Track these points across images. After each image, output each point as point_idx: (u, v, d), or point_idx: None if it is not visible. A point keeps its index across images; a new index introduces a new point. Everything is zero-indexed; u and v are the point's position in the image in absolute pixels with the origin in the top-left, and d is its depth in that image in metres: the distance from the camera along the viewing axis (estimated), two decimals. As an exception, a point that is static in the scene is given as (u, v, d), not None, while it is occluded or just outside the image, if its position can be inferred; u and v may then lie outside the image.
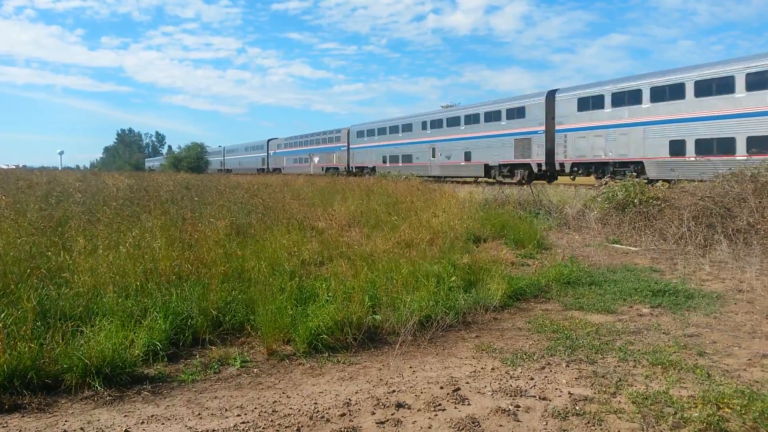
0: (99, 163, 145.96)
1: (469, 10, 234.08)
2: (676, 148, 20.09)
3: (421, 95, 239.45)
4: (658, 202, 11.67)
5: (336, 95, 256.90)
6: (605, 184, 14.55)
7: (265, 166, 61.93)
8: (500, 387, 4.00)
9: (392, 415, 3.58)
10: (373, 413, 3.61)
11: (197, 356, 4.67)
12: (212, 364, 4.48)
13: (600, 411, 3.56)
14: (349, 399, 3.84)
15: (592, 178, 23.47)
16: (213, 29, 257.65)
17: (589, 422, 3.42)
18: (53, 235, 6.97)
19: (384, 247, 8.00)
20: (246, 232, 8.86)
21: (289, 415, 3.60)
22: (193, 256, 6.43)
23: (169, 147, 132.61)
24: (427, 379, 4.21)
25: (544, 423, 3.44)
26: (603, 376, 4.16)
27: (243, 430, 3.40)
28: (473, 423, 3.43)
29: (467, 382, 4.11)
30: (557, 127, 25.26)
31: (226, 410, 3.69)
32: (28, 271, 5.39)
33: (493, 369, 4.40)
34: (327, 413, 3.60)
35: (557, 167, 25.59)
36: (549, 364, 4.47)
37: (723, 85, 18.69)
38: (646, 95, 21.21)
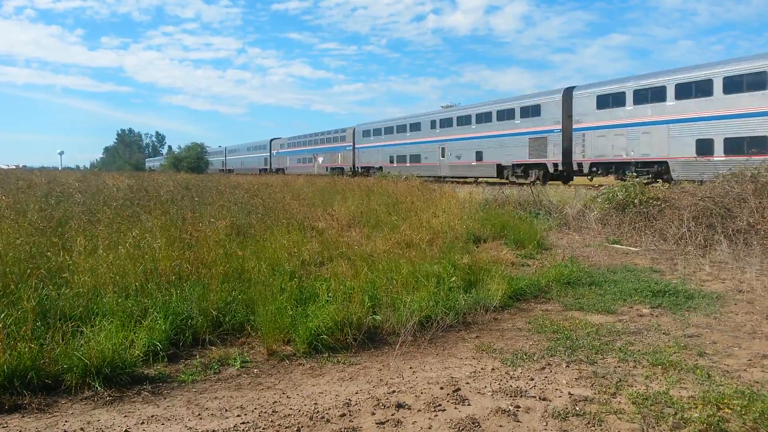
0: (99, 163, 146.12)
1: (469, 10, 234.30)
2: (704, 147, 19.19)
3: (421, 95, 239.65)
4: (658, 203, 11.67)
5: (336, 95, 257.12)
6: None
7: (268, 167, 61.27)
8: (500, 387, 4.00)
9: (392, 415, 3.58)
10: (373, 414, 3.61)
11: (197, 356, 4.67)
12: (212, 365, 4.48)
13: (600, 411, 3.56)
14: (349, 399, 3.84)
15: (611, 179, 22.24)
16: (213, 29, 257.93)
17: (589, 423, 3.42)
18: (53, 236, 6.97)
19: (384, 248, 8.00)
20: (246, 232, 8.86)
21: (289, 415, 3.60)
22: (193, 256, 6.43)
23: (169, 147, 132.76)
24: (427, 379, 4.21)
25: (544, 423, 3.43)
26: (603, 377, 4.16)
27: (243, 430, 3.40)
28: (473, 423, 3.43)
29: (467, 383, 4.11)
30: (575, 126, 24.39)
31: (226, 410, 3.69)
32: (28, 271, 5.39)
33: (493, 369, 4.40)
34: (327, 413, 3.60)
35: (575, 167, 24.68)
36: (549, 364, 4.47)
37: (755, 81, 17.82)
38: (670, 92, 20.35)
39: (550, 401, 3.76)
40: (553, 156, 25.47)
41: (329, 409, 3.68)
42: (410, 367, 4.49)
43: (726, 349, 4.81)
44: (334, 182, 21.42)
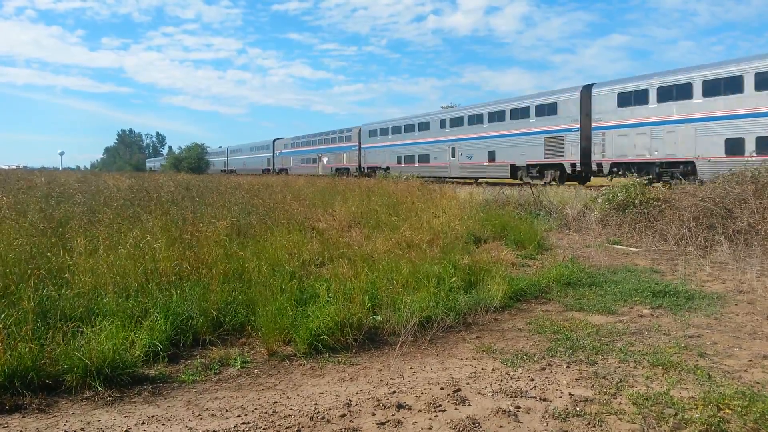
0: (100, 163, 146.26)
1: (469, 10, 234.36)
2: (734, 146, 18.30)
3: (422, 96, 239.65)
4: (659, 203, 11.67)
5: (336, 96, 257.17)
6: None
7: (271, 167, 60.46)
8: (501, 388, 4.00)
9: (393, 415, 3.58)
10: (374, 414, 3.61)
11: (198, 357, 4.67)
12: (213, 365, 4.49)
13: (601, 412, 3.56)
14: (350, 400, 3.84)
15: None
16: (213, 30, 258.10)
17: (589, 423, 3.42)
18: (54, 236, 6.98)
19: (384, 248, 8.00)
20: (246, 232, 8.86)
21: (289, 415, 3.60)
22: (193, 256, 6.43)
23: (170, 147, 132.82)
24: (427, 379, 4.21)
25: (545, 424, 3.43)
26: (604, 377, 4.16)
27: (243, 430, 3.40)
28: (474, 424, 3.43)
29: (468, 383, 4.11)
30: (594, 125, 23.40)
31: (227, 411, 3.69)
32: (29, 271, 5.39)
33: (493, 370, 4.40)
34: (327, 414, 3.60)
35: (594, 168, 23.65)
36: (549, 365, 4.47)
37: None
38: (697, 89, 19.40)
39: (550, 402, 3.76)
40: (571, 156, 24.52)
41: (330, 409, 3.68)
42: (411, 368, 4.49)
43: (726, 350, 4.80)
44: (335, 183, 21.41)
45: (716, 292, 6.85)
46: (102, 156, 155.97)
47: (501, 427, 3.42)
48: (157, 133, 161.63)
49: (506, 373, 4.31)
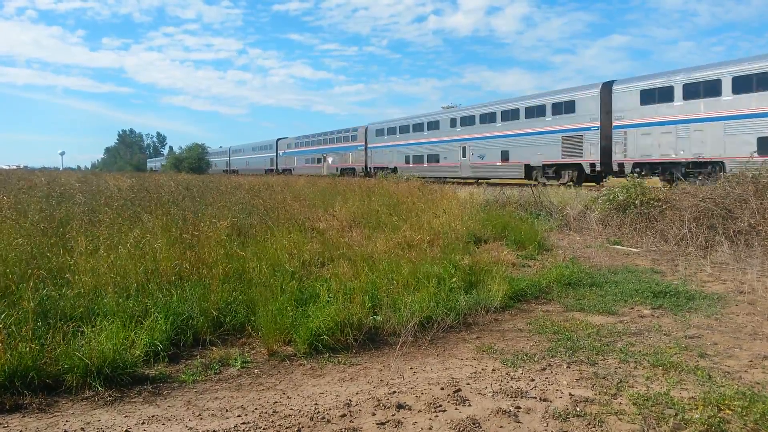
0: (100, 163, 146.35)
1: (469, 11, 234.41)
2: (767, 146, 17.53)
3: (422, 96, 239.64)
4: (659, 204, 11.67)
5: (337, 96, 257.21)
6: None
7: (274, 167, 59.43)
8: (501, 388, 4.00)
9: (393, 416, 3.58)
10: (374, 414, 3.61)
11: (198, 357, 4.67)
12: (213, 365, 4.49)
13: (601, 412, 3.56)
14: (350, 400, 3.84)
15: (656, 180, 20.29)
16: (214, 30, 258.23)
17: (589, 423, 3.42)
18: (54, 236, 6.98)
19: (385, 248, 8.00)
20: (247, 232, 8.87)
21: (289, 415, 3.60)
22: (194, 256, 6.43)
23: (170, 148, 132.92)
24: (427, 380, 4.21)
25: (545, 424, 3.43)
26: (604, 378, 4.15)
27: (243, 430, 3.40)
28: (474, 424, 3.43)
29: (468, 383, 4.11)
30: (615, 123, 22.43)
31: (227, 411, 3.69)
32: (29, 271, 5.39)
33: (493, 370, 4.40)
34: (327, 414, 3.61)
35: (615, 168, 22.68)
36: (550, 365, 4.47)
37: None
38: (726, 86, 18.51)
39: (550, 402, 3.76)
40: (590, 155, 23.58)
41: (330, 409, 3.68)
42: (411, 368, 4.49)
43: (727, 350, 4.80)
44: (335, 183, 21.42)
45: (717, 292, 6.84)
46: (103, 156, 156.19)
47: (501, 427, 3.42)
48: (158, 133, 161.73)
49: (506, 374, 4.31)
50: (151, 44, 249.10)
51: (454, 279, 6.49)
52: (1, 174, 29.05)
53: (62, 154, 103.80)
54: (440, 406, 3.70)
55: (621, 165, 22.40)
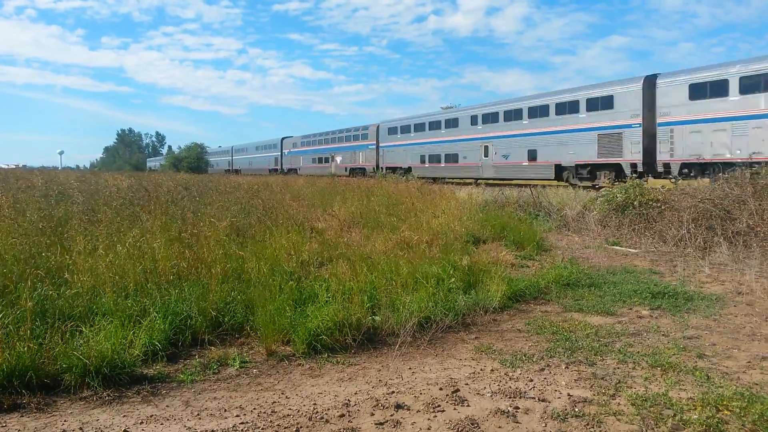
0: (99, 163, 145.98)
1: (469, 11, 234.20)
2: None
3: (422, 96, 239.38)
4: (658, 204, 11.68)
5: (336, 96, 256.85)
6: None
7: (279, 167, 57.52)
8: (499, 388, 4.00)
9: (391, 416, 3.58)
10: (373, 414, 3.61)
11: (196, 356, 4.67)
12: (211, 365, 4.48)
13: (599, 413, 3.56)
14: (349, 400, 3.84)
15: (707, 182, 18.03)
16: (213, 30, 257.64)
17: (588, 424, 3.42)
18: (53, 235, 6.97)
19: (384, 248, 8.00)
20: (246, 232, 8.86)
21: (288, 415, 3.60)
22: (192, 256, 6.43)
23: (169, 147, 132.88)
24: (426, 380, 4.21)
25: (544, 424, 3.43)
26: (602, 378, 4.16)
27: (242, 430, 3.40)
28: (472, 424, 3.43)
29: (466, 384, 4.11)
30: (659, 120, 20.68)
31: (225, 411, 3.69)
32: (28, 271, 5.38)
33: (492, 370, 4.40)
34: (326, 414, 3.60)
35: (659, 168, 20.96)
36: (548, 365, 4.47)
37: None
38: None
39: (549, 402, 3.76)
40: (631, 155, 21.79)
41: (328, 409, 3.68)
42: (409, 368, 4.49)
43: (725, 351, 4.81)
44: (334, 183, 21.41)
45: (715, 293, 6.85)
46: (101, 155, 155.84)
47: (500, 427, 3.42)
48: (157, 132, 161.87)
49: (505, 374, 4.31)
50: (150, 44, 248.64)
51: (452, 279, 6.49)
52: (0, 173, 29.01)
53: (61, 153, 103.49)
54: (439, 406, 3.70)
55: (667, 165, 20.80)
